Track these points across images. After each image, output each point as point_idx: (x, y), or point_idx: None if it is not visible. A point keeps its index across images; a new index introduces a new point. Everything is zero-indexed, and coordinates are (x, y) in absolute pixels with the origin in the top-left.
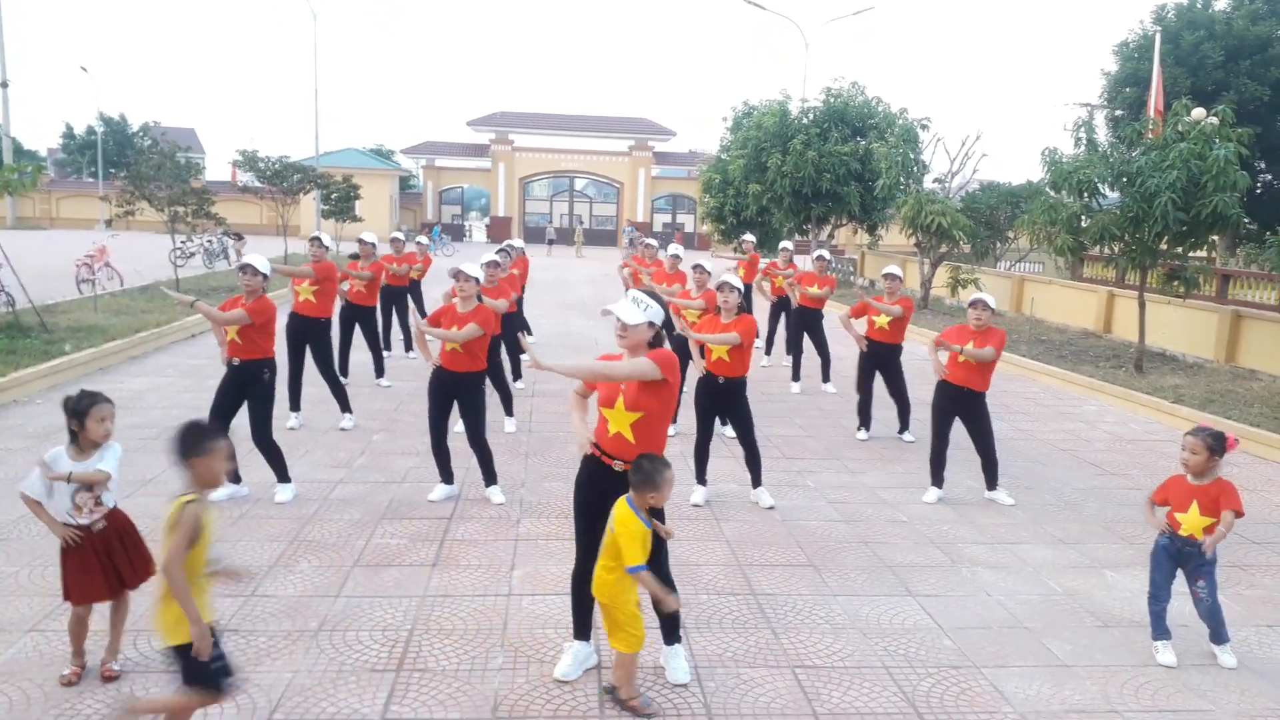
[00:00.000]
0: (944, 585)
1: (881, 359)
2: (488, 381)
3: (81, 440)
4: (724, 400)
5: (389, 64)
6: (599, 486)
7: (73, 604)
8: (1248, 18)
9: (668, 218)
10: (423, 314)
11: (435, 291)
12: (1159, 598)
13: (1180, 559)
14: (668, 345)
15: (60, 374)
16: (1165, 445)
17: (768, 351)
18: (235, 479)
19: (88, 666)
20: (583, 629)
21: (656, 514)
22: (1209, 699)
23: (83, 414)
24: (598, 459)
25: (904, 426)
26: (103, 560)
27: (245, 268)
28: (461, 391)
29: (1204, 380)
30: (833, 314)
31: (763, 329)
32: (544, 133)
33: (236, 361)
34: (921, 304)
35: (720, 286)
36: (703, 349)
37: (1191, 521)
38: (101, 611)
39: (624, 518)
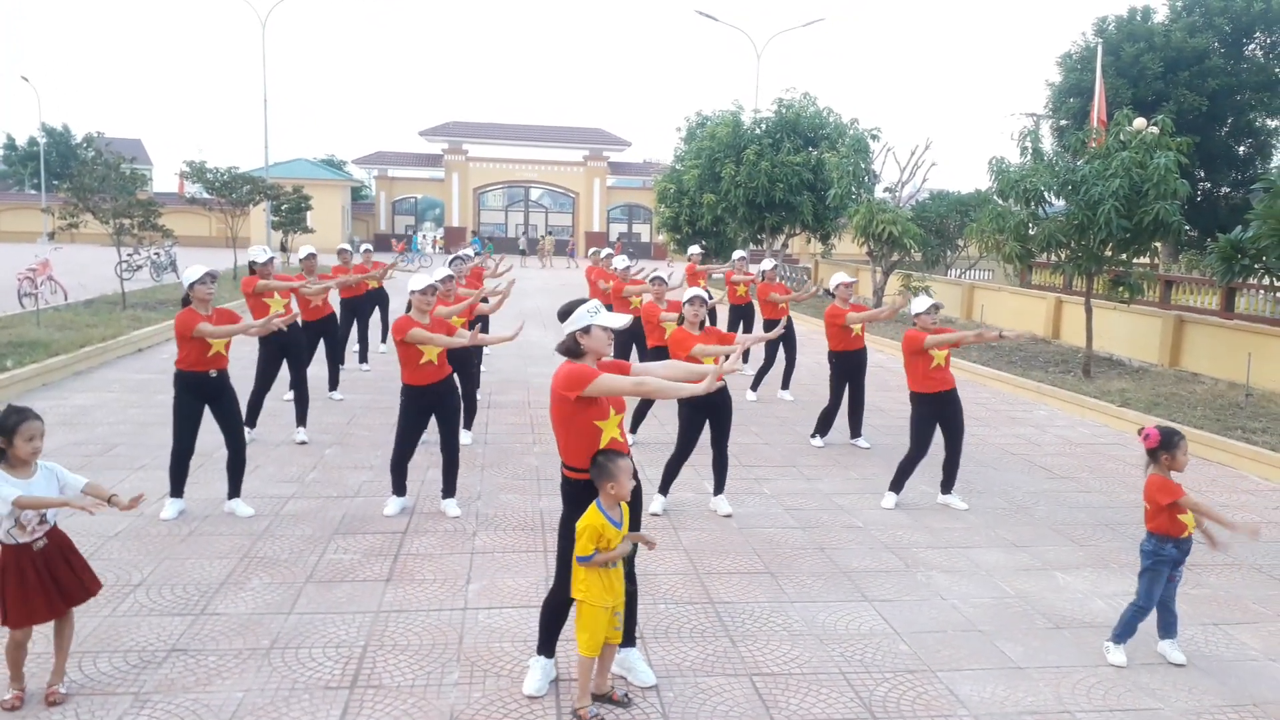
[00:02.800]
0: (899, 590)
1: (856, 366)
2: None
3: (11, 458)
4: (716, 408)
5: (339, 73)
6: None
7: (12, 628)
8: (1185, 30)
9: (623, 228)
10: (385, 326)
11: (400, 302)
12: (1148, 610)
13: (1179, 560)
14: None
15: (1, 390)
16: (1113, 448)
17: (745, 359)
18: (178, 494)
19: (29, 690)
20: (549, 647)
21: (633, 524)
22: (1158, 697)
23: (10, 431)
24: (591, 483)
25: (857, 432)
26: (44, 579)
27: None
28: (441, 401)
29: (1149, 384)
30: (800, 324)
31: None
32: (498, 142)
33: (214, 373)
34: None
35: (691, 300)
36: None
37: (1191, 519)
38: (44, 633)
39: (587, 518)
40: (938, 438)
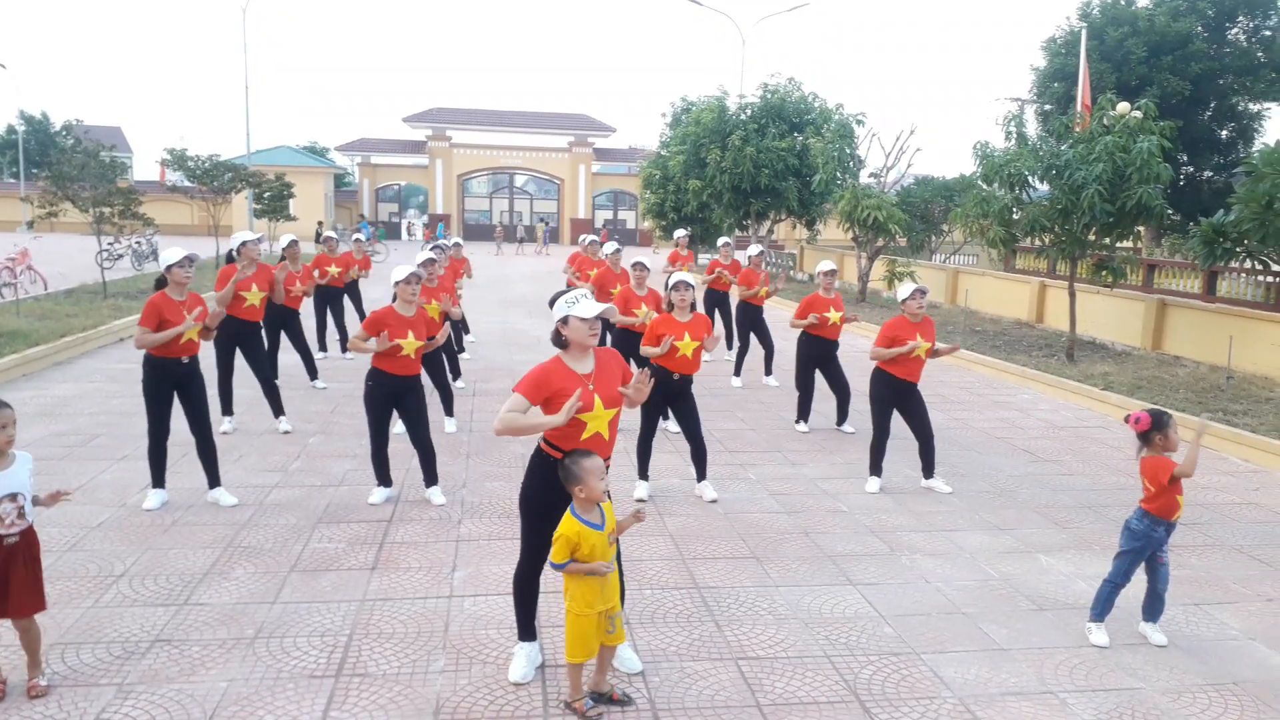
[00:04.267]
0: (884, 573)
1: (825, 355)
2: (428, 380)
3: None
4: (675, 397)
5: (322, 60)
6: (565, 491)
7: None
8: (1169, 14)
9: (609, 214)
10: (361, 315)
11: (375, 292)
12: (1122, 586)
13: (1164, 542)
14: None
15: None
16: (1096, 432)
17: (729, 346)
18: (160, 483)
19: (11, 682)
20: (528, 630)
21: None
22: (1140, 677)
23: None
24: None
25: (843, 418)
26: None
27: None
28: (404, 394)
29: (1132, 367)
30: (774, 310)
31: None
32: (482, 129)
33: (185, 360)
34: (859, 297)
35: (676, 285)
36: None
37: (1182, 500)
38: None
39: (563, 525)
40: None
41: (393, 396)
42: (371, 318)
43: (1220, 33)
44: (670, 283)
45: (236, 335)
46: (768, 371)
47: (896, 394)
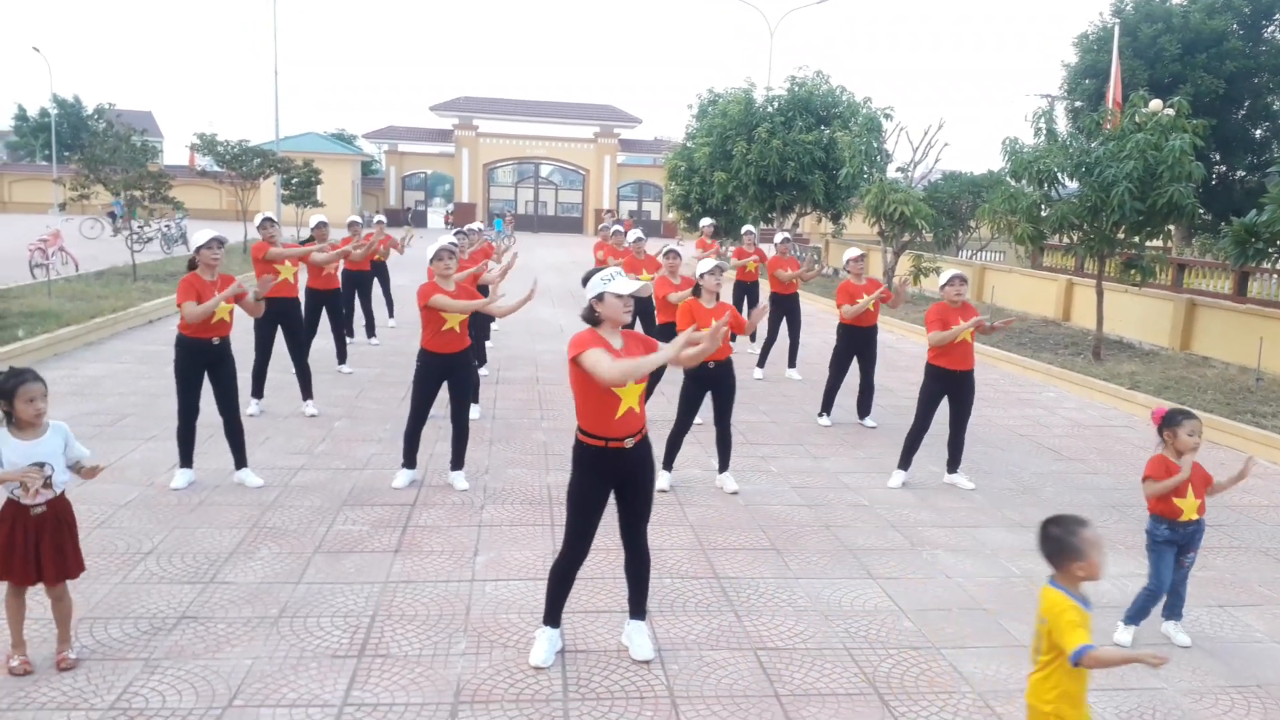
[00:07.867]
0: (904, 568)
1: (864, 342)
2: None
3: (18, 421)
4: (716, 383)
5: (351, 47)
6: (609, 474)
7: None
8: (1204, 11)
9: (634, 205)
10: (388, 299)
11: (402, 278)
12: (1160, 593)
13: (1184, 543)
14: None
15: (13, 360)
16: (1122, 430)
17: (752, 339)
18: (188, 463)
19: (40, 655)
20: (554, 617)
21: (645, 503)
22: (1162, 678)
23: (9, 395)
24: (603, 449)
25: (866, 412)
26: (29, 546)
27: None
28: (454, 371)
29: (1159, 367)
30: (807, 303)
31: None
32: (508, 118)
33: (216, 340)
34: None
35: (711, 270)
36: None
37: (1192, 504)
38: (46, 601)
39: (1052, 603)
40: (942, 414)
41: (442, 374)
42: (420, 291)
43: (1256, 31)
44: (704, 268)
45: (278, 314)
46: (791, 364)
47: (947, 386)
